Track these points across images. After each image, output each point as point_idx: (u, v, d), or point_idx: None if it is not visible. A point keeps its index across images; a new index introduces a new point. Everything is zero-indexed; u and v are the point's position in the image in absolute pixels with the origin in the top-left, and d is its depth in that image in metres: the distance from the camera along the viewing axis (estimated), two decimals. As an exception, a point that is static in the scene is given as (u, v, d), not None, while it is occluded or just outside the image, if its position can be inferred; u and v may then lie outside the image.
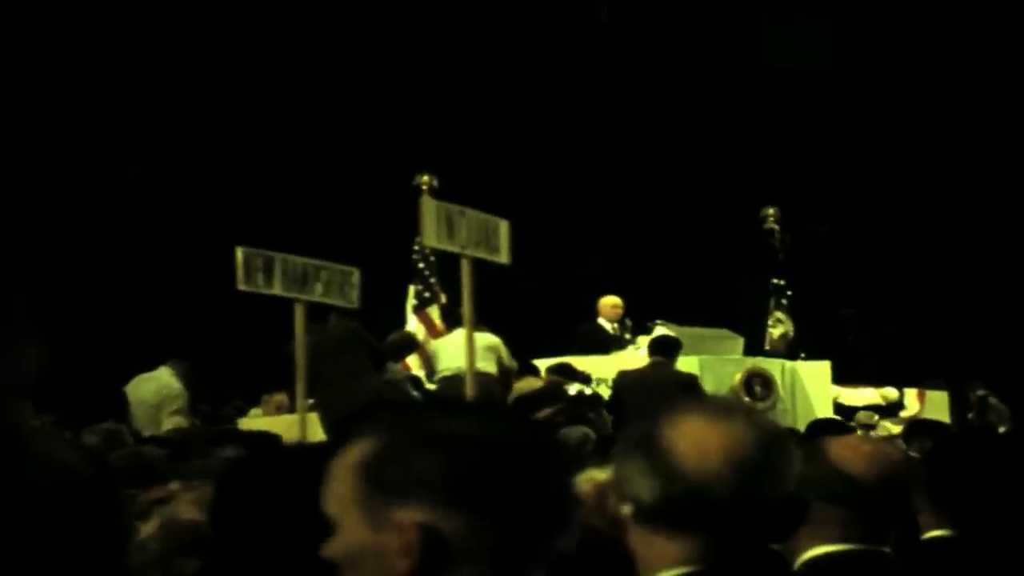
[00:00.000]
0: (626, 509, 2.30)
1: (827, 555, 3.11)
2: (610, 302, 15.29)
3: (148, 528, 3.82)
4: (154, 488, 4.09)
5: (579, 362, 14.20)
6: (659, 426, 2.31)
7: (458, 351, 10.75)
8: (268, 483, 2.75)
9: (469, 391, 8.85)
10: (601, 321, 15.18)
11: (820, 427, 10.24)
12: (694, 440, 2.28)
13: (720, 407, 2.36)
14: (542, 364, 14.10)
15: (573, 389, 13.15)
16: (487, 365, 12.41)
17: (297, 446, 4.55)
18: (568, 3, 23.31)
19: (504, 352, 13.02)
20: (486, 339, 12.58)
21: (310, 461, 2.61)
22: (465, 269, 8.49)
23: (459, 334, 10.92)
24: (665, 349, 13.22)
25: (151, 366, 12.16)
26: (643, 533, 2.29)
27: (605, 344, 14.87)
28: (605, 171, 22.18)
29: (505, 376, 13.04)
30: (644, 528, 2.28)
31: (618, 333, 15.05)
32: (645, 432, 2.32)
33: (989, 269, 23.01)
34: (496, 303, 13.14)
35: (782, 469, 2.30)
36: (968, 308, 22.64)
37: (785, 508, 2.30)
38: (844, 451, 3.24)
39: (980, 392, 15.34)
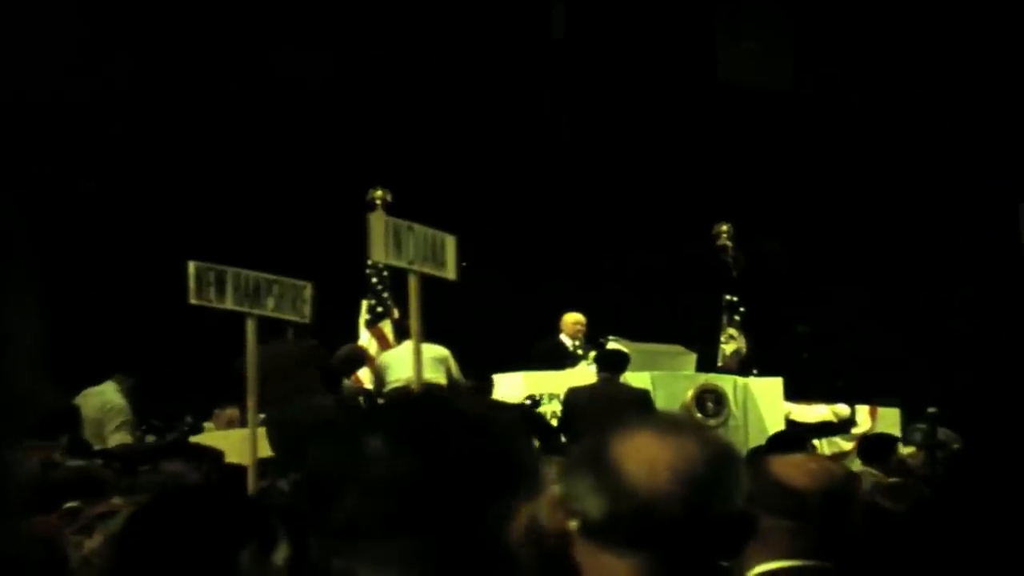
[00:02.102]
0: (573, 524, 2.28)
1: (776, 571, 3.11)
2: (572, 319, 15.31)
3: (92, 543, 3.78)
4: (98, 503, 4.06)
5: (535, 377, 14.22)
6: (608, 442, 2.30)
7: (407, 363, 10.73)
8: (171, 530, 2.82)
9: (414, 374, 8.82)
10: (563, 337, 15.19)
11: (779, 441, 10.35)
12: (643, 457, 2.26)
13: (669, 423, 2.35)
14: (500, 379, 14.15)
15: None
16: (436, 376, 12.42)
17: (201, 488, 4.57)
18: (525, 20, 23.33)
19: (453, 364, 13.04)
20: (435, 351, 12.60)
21: (213, 503, 2.71)
22: (412, 284, 8.46)
23: (408, 346, 10.91)
24: (612, 364, 13.20)
25: (102, 380, 12.10)
26: (590, 549, 2.27)
27: (564, 360, 14.87)
28: (560, 186, 22.21)
29: (454, 388, 13.05)
30: (591, 544, 2.27)
31: (577, 350, 15.06)
32: (594, 448, 2.31)
33: (944, 288, 23.15)
34: (453, 318, 13.13)
35: (731, 486, 2.29)
36: (922, 328, 22.77)
37: (734, 524, 2.29)
38: (788, 468, 3.25)
39: (931, 410, 15.38)
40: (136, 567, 2.82)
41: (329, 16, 21.34)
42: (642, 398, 12.80)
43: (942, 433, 14.81)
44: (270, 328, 10.21)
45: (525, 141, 22.22)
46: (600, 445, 2.31)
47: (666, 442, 2.28)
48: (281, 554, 2.89)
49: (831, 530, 3.17)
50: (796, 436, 11.64)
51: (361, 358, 14.10)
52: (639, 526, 2.23)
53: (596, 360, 13.52)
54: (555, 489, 3.08)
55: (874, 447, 11.74)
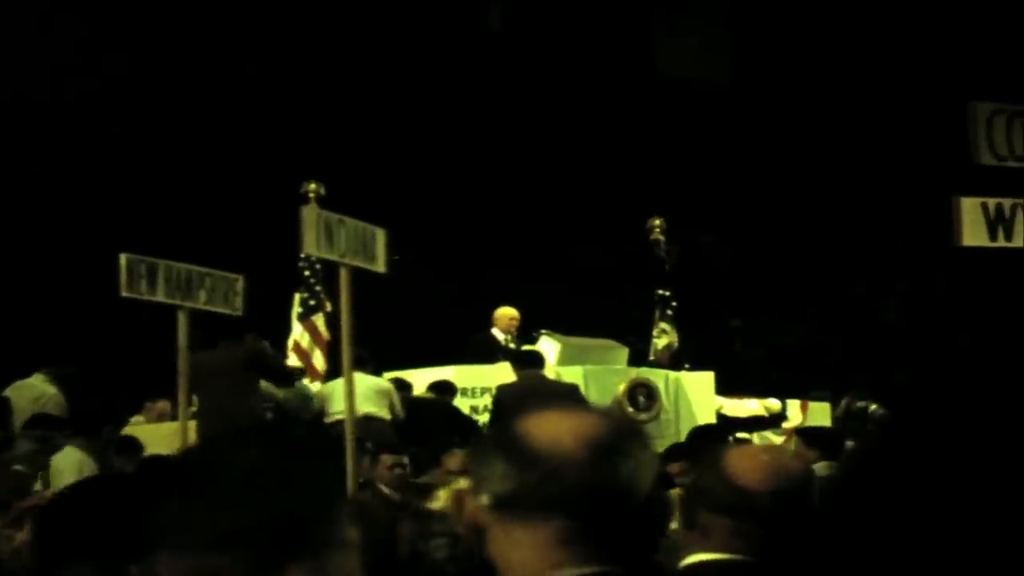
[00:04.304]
0: (484, 500, 2.28)
1: (706, 562, 3.14)
2: (507, 314, 15.27)
3: (22, 536, 3.79)
4: (27, 497, 4.07)
5: (467, 371, 14.25)
6: (515, 423, 2.32)
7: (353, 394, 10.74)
8: (85, 516, 2.87)
9: (345, 403, 8.84)
10: (495, 332, 15.17)
11: (702, 435, 10.34)
12: (548, 428, 2.27)
13: (575, 405, 2.37)
14: (427, 374, 14.17)
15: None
16: (380, 410, 12.56)
17: (115, 476, 4.64)
18: (462, 12, 23.32)
19: (396, 398, 13.04)
20: (379, 384, 12.89)
21: (126, 491, 2.75)
22: (343, 277, 8.49)
23: (355, 377, 10.90)
24: (528, 362, 13.22)
25: (30, 373, 12.07)
26: (502, 528, 2.27)
27: (496, 354, 14.89)
28: (496, 179, 22.24)
29: (396, 422, 13.01)
30: (503, 522, 2.27)
31: (509, 343, 15.06)
32: (501, 430, 2.34)
33: (879, 282, 23.36)
34: (386, 311, 13.12)
35: (637, 455, 2.29)
36: (856, 322, 22.96)
37: (646, 502, 2.29)
38: (741, 463, 3.25)
39: (860, 403, 15.52)
40: (52, 553, 2.85)
41: (261, 8, 21.26)
42: (571, 393, 12.81)
43: (873, 418, 14.92)
44: (228, 330, 10.25)
45: (462, 133, 22.22)
46: (507, 426, 2.33)
47: (571, 415, 2.31)
48: None
49: (778, 529, 3.14)
50: (718, 430, 11.63)
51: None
52: (547, 492, 2.23)
53: (510, 359, 13.56)
54: (462, 482, 3.11)
55: (824, 441, 11.63)
